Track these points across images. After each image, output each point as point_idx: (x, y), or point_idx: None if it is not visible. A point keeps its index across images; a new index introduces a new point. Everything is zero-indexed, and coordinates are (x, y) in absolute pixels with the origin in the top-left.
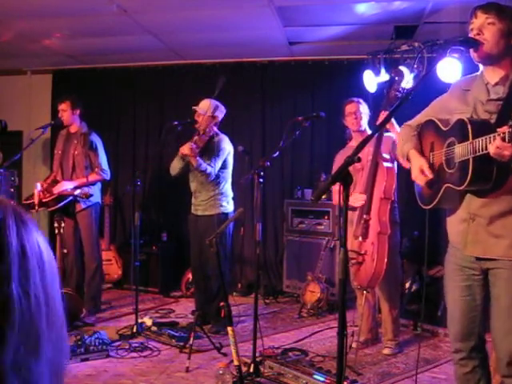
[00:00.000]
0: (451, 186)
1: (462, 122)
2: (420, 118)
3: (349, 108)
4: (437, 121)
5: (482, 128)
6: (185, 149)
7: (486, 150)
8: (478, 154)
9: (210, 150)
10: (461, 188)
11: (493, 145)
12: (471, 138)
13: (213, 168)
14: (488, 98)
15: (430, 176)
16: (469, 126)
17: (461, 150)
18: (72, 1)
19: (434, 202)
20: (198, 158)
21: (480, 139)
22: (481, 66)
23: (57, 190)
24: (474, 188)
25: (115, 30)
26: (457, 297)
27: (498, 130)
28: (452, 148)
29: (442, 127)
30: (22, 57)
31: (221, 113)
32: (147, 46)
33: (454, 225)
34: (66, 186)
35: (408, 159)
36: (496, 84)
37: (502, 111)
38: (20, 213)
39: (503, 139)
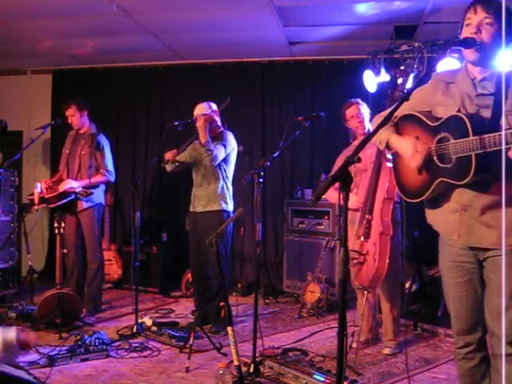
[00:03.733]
0: (448, 180)
1: (459, 118)
2: (399, 110)
3: (349, 112)
4: (420, 115)
5: (481, 124)
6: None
7: (497, 146)
8: (487, 150)
9: (218, 140)
10: (462, 183)
11: None
12: (471, 134)
13: (219, 151)
14: (477, 92)
15: (423, 152)
16: (468, 123)
17: (459, 146)
18: (72, 1)
19: (425, 196)
20: (207, 134)
21: (488, 136)
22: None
23: (62, 187)
24: (475, 181)
25: (115, 30)
26: (458, 293)
27: None
28: (445, 144)
29: (428, 122)
30: (22, 57)
31: (214, 104)
32: (147, 45)
33: (442, 215)
34: (72, 184)
35: (388, 147)
36: (483, 79)
37: (494, 107)
38: None
39: None
